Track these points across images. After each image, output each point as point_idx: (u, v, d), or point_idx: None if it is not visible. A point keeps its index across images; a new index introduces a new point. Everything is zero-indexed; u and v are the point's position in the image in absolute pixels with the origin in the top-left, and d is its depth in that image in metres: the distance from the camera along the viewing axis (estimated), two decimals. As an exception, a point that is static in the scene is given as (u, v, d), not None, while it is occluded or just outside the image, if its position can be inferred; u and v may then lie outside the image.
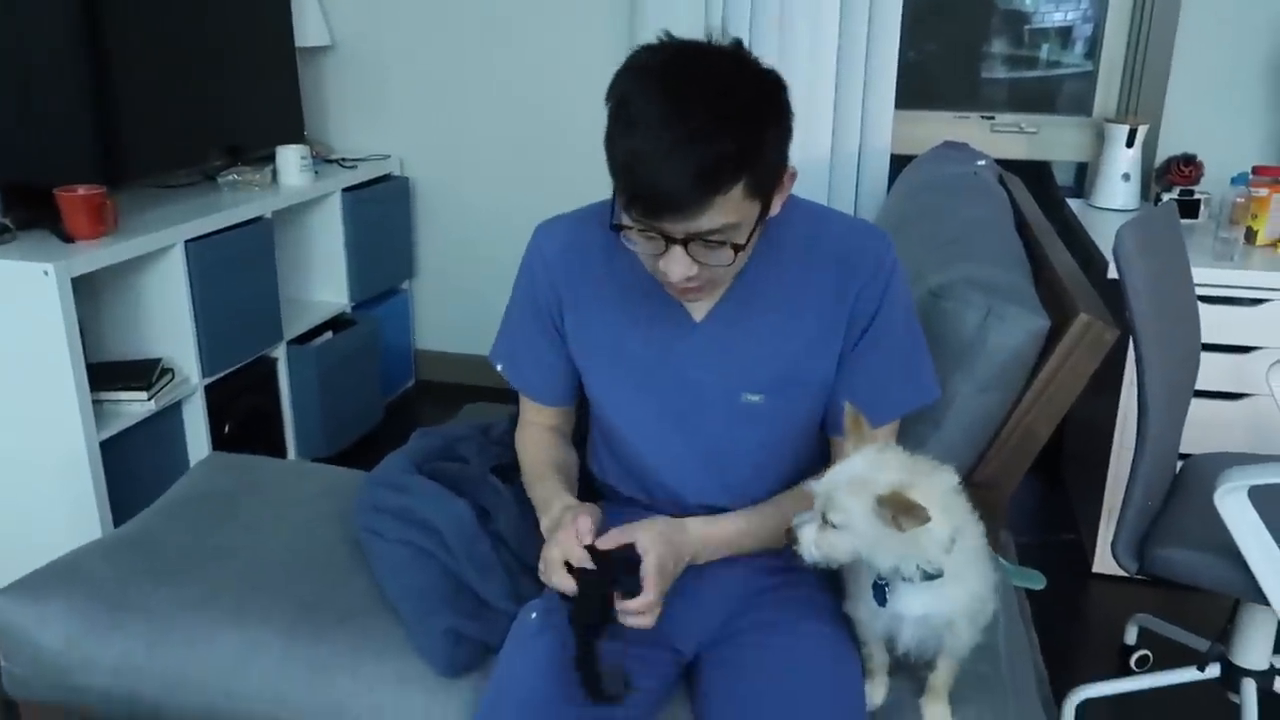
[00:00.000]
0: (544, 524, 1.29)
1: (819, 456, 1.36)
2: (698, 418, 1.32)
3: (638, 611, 1.16)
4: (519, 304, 1.41)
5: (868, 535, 1.08)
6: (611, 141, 1.12)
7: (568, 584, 1.17)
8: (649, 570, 1.17)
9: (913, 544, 1.08)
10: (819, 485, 1.11)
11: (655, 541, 1.19)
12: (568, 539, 1.18)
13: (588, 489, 1.47)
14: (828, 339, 1.28)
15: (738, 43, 1.13)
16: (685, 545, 1.24)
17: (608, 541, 1.19)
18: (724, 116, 1.06)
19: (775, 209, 1.19)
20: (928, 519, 1.03)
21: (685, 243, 1.11)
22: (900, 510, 1.04)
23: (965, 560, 1.14)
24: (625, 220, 1.14)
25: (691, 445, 1.33)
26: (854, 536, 1.09)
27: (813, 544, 1.11)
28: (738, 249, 1.13)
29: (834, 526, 1.09)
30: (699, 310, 1.29)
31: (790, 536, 1.13)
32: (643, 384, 1.32)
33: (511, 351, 1.43)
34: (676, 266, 1.13)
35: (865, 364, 1.29)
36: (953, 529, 1.10)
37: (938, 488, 1.10)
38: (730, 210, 1.09)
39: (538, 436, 1.45)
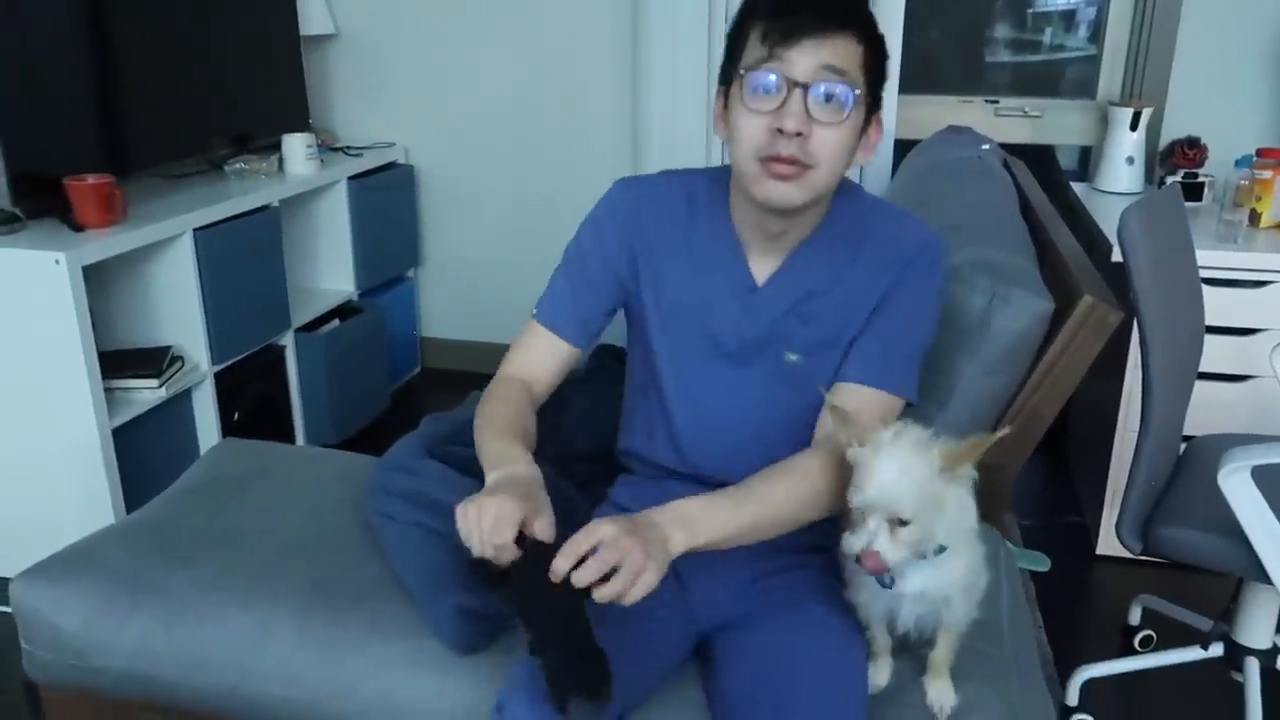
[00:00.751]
0: (492, 477, 1.19)
1: None
2: (742, 374, 1.37)
3: (564, 554, 1.05)
4: (579, 251, 1.42)
5: (929, 513, 1.11)
6: (745, 19, 1.24)
7: (494, 539, 1.08)
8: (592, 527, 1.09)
9: (960, 503, 1.13)
10: (870, 496, 1.10)
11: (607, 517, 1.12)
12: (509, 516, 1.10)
13: (615, 464, 1.52)
14: (862, 310, 1.33)
15: None
16: (648, 517, 1.14)
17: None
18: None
19: (862, 156, 1.28)
20: (988, 442, 1.09)
21: (806, 89, 1.18)
22: (965, 456, 1.09)
23: (959, 534, 1.16)
24: (751, 62, 1.21)
25: (731, 402, 1.37)
26: (922, 521, 1.11)
27: (896, 550, 1.10)
28: (852, 97, 1.20)
29: (902, 524, 1.10)
30: (761, 272, 1.35)
31: (869, 563, 1.11)
32: (699, 336, 1.37)
33: (553, 294, 1.43)
34: (793, 116, 1.18)
35: (875, 328, 1.33)
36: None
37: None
38: (852, 60, 1.20)
39: (514, 392, 1.37)
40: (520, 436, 1.28)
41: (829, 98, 1.19)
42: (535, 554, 1.09)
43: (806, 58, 1.18)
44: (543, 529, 1.11)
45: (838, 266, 1.33)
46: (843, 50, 1.19)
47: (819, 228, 1.34)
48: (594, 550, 1.06)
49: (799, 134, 1.19)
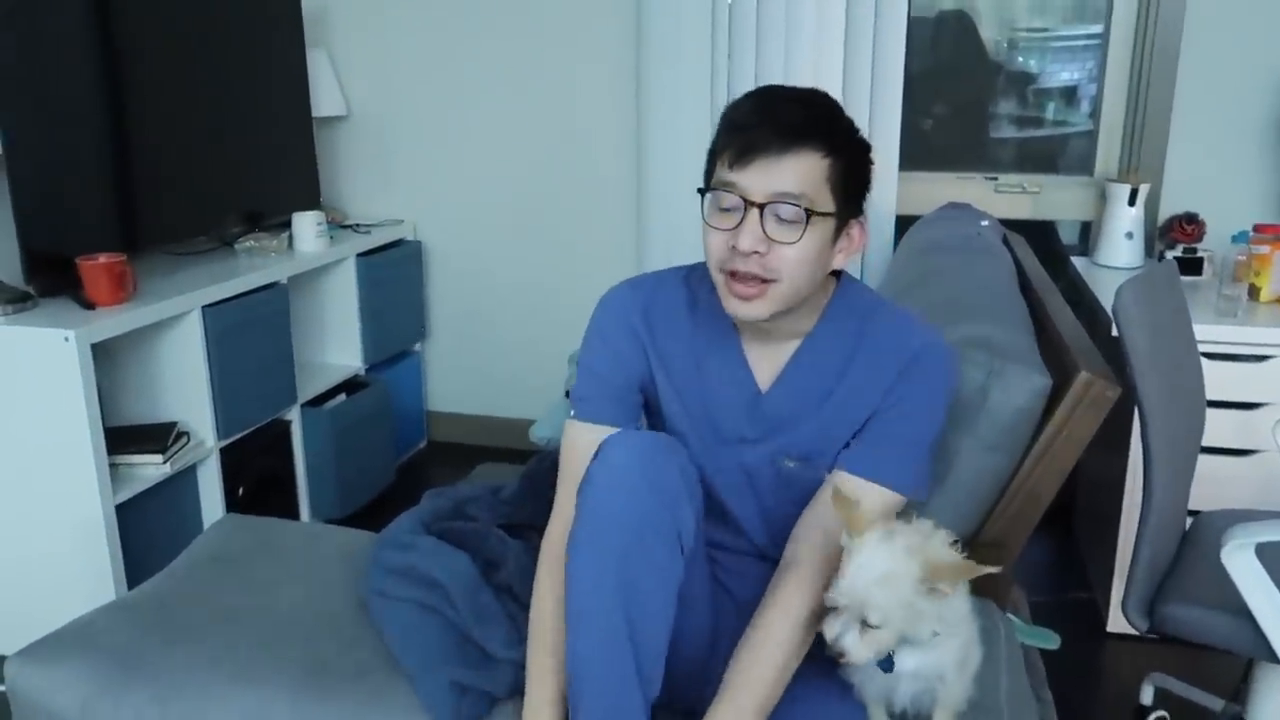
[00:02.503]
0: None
1: None
2: (748, 474, 1.39)
3: None
4: (592, 360, 1.42)
5: (907, 619, 1.11)
6: (717, 136, 1.26)
7: None
8: None
9: (946, 605, 1.12)
10: (843, 595, 1.12)
11: None
12: None
13: None
14: (861, 409, 1.34)
15: None
16: None
17: None
18: (816, 106, 1.25)
19: (840, 259, 1.29)
20: (975, 571, 1.09)
21: (762, 208, 1.20)
22: (949, 576, 1.09)
23: (954, 622, 1.17)
24: (715, 182, 1.25)
25: (744, 493, 1.40)
26: (895, 626, 1.11)
27: (862, 650, 1.12)
28: (808, 219, 1.20)
29: (873, 626, 1.11)
30: (764, 377, 1.36)
31: (836, 652, 1.14)
32: (706, 438, 1.38)
33: (581, 394, 1.42)
34: (749, 232, 1.21)
35: (873, 425, 1.34)
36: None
37: (944, 546, 1.12)
38: (810, 178, 1.21)
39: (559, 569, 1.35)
40: (551, 643, 1.30)
41: (782, 219, 1.21)
42: None
43: (762, 179, 1.20)
44: None
45: (837, 370, 1.34)
46: (802, 169, 1.21)
47: (819, 324, 1.35)
48: None
49: (756, 252, 1.21)
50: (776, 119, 1.20)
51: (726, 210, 1.23)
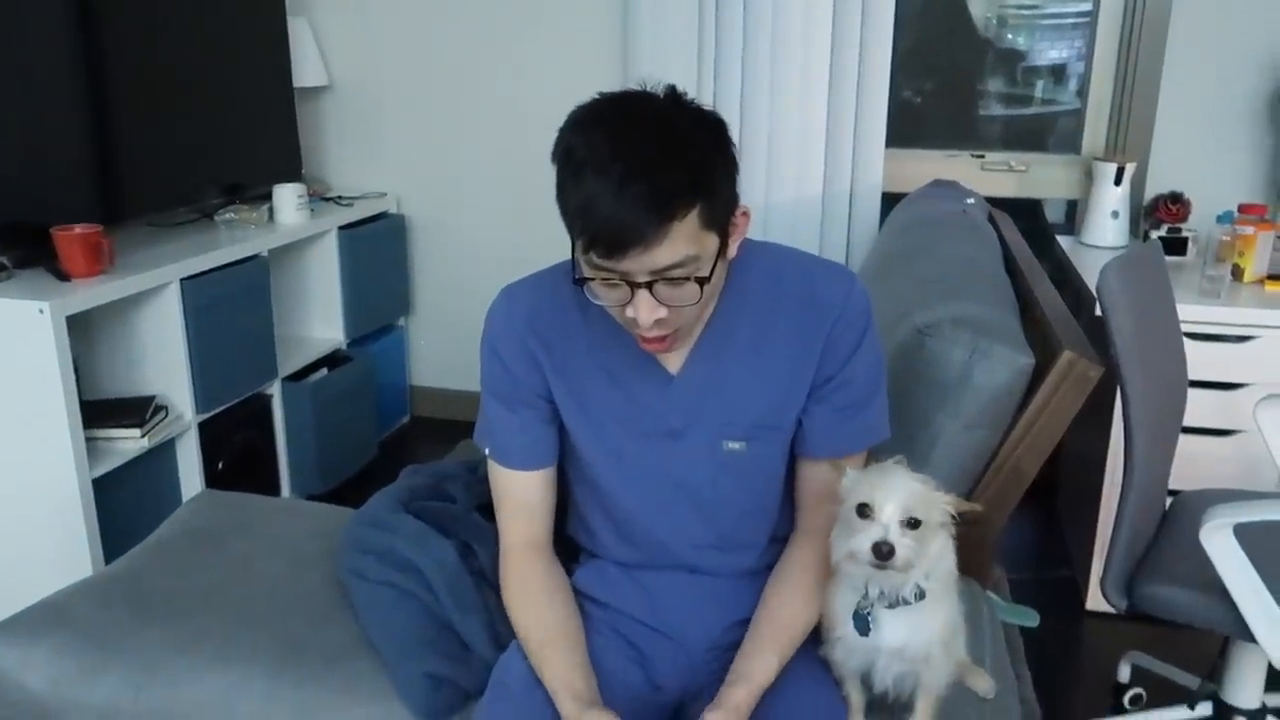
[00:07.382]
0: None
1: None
2: (683, 469, 1.30)
3: None
4: (491, 377, 1.34)
5: (926, 533, 1.10)
6: (563, 192, 1.11)
7: None
8: None
9: (932, 554, 1.12)
10: (886, 495, 1.09)
11: None
12: None
13: (572, 550, 1.44)
14: (798, 382, 1.27)
15: (672, 87, 1.15)
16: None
17: None
18: (669, 147, 1.08)
19: (733, 250, 1.19)
20: (970, 506, 1.11)
21: (649, 285, 1.10)
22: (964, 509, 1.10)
23: (943, 584, 1.16)
24: (587, 271, 1.12)
25: (680, 496, 1.31)
26: (924, 535, 1.10)
27: (907, 546, 1.08)
28: (702, 283, 1.12)
29: (912, 526, 1.09)
30: (673, 362, 1.27)
31: (880, 551, 1.08)
32: (628, 439, 1.30)
33: (490, 428, 1.35)
34: (644, 309, 1.11)
35: (829, 403, 1.28)
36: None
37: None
38: (688, 240, 1.08)
39: (525, 579, 1.33)
40: (548, 654, 1.25)
41: (673, 282, 1.11)
42: None
43: (640, 263, 1.08)
44: None
45: (752, 334, 1.26)
46: (676, 239, 1.07)
47: (723, 300, 1.25)
48: None
49: (657, 319, 1.13)
50: (640, 198, 1.04)
51: (611, 286, 1.12)
